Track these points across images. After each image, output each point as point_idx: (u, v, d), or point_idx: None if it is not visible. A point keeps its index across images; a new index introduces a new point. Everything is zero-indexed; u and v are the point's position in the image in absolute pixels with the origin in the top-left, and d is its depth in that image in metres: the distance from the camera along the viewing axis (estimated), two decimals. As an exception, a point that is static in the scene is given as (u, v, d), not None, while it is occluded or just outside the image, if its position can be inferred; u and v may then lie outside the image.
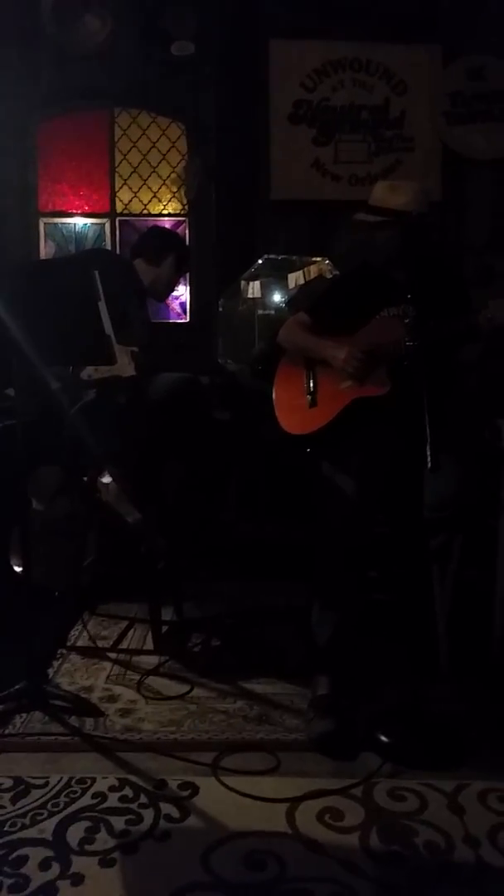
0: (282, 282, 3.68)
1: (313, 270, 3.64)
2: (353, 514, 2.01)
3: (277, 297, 3.71)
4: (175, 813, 1.62)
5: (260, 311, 3.67)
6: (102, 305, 1.86)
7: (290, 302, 3.59)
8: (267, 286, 3.70)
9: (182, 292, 3.91)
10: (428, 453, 1.65)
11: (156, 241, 2.84)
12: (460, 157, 3.82)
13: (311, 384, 2.25)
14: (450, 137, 3.82)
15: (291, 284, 3.69)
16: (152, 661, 2.35)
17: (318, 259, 3.62)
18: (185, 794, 1.68)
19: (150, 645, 2.45)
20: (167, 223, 3.94)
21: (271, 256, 3.65)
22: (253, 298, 3.70)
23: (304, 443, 2.23)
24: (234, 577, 2.96)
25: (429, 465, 1.64)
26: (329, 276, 3.53)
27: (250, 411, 2.88)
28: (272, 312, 3.66)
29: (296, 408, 2.26)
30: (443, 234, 3.63)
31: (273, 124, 3.76)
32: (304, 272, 3.64)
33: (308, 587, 2.17)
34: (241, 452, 3.10)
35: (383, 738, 1.86)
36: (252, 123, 3.74)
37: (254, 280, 3.69)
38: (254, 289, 3.70)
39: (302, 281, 3.65)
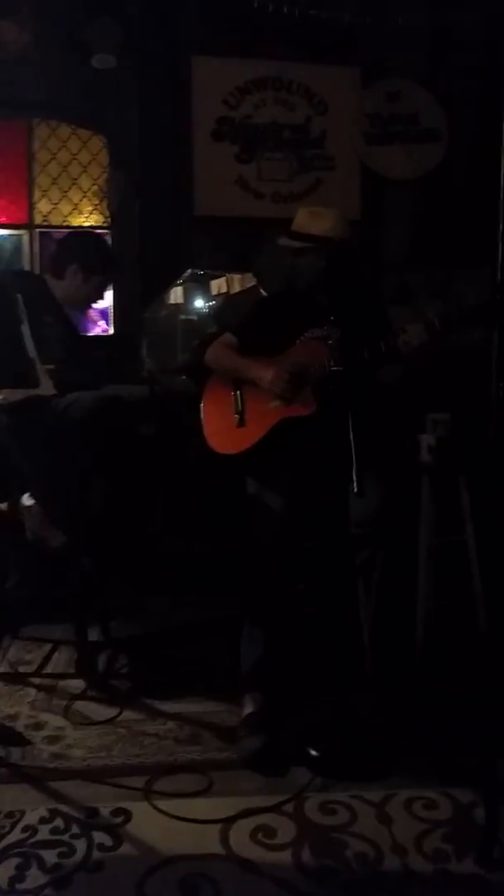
0: (204, 288, 3.68)
1: (236, 282, 3.67)
2: (281, 532, 2.05)
3: (200, 304, 3.70)
4: (108, 841, 1.61)
5: (182, 317, 3.65)
6: (25, 329, 1.83)
7: (216, 316, 3.61)
8: (189, 291, 3.68)
9: (106, 303, 3.87)
10: (354, 478, 1.70)
11: (56, 253, 2.70)
12: (379, 177, 3.94)
13: (240, 404, 2.28)
14: (369, 157, 3.93)
15: (214, 291, 3.70)
16: (79, 684, 2.31)
17: (242, 274, 3.65)
18: (118, 820, 1.67)
19: (75, 668, 2.40)
20: (89, 235, 3.89)
21: (196, 271, 3.65)
22: (175, 304, 3.69)
23: (233, 462, 2.25)
24: (162, 592, 2.95)
25: (355, 489, 1.69)
26: (250, 286, 3.57)
27: (177, 424, 2.88)
28: (195, 318, 3.65)
29: (224, 427, 2.28)
30: (362, 254, 3.73)
31: (196, 140, 3.76)
32: (227, 279, 3.66)
33: (236, 599, 2.19)
34: (168, 466, 3.09)
35: (313, 752, 1.90)
36: (175, 138, 3.74)
37: (176, 286, 3.67)
38: (176, 295, 3.69)
39: (225, 288, 3.66)
